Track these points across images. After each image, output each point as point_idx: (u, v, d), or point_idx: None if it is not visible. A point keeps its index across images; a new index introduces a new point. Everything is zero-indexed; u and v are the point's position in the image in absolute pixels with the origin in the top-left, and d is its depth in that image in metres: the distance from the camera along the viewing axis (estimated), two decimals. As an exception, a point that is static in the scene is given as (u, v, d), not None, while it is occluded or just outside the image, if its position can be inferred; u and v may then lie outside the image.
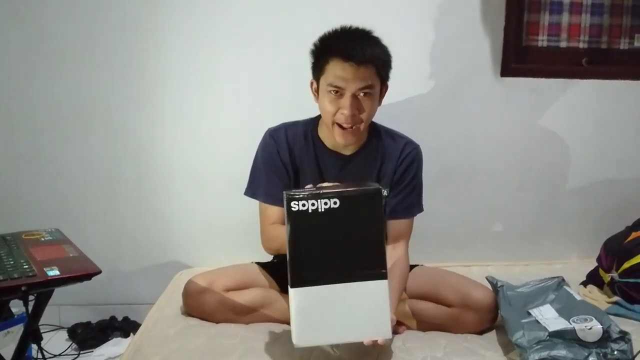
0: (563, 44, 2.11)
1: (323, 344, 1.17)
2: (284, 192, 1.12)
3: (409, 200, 1.59)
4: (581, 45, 2.11)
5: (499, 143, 2.13)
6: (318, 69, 1.49)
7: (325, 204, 1.09)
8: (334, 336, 1.16)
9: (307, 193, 1.11)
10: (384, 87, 1.52)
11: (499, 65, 2.06)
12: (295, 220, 1.09)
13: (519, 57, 2.07)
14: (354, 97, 1.44)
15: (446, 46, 2.04)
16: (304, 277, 1.11)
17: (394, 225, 1.57)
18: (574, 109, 2.13)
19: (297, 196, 1.10)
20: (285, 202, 1.11)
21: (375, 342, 1.18)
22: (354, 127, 1.47)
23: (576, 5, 2.08)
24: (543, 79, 2.10)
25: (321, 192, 1.12)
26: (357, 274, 1.14)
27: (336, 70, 1.42)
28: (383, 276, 1.15)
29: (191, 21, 1.97)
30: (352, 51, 1.41)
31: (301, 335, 1.13)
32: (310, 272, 1.12)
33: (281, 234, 1.25)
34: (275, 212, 1.54)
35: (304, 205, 1.08)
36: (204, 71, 2.01)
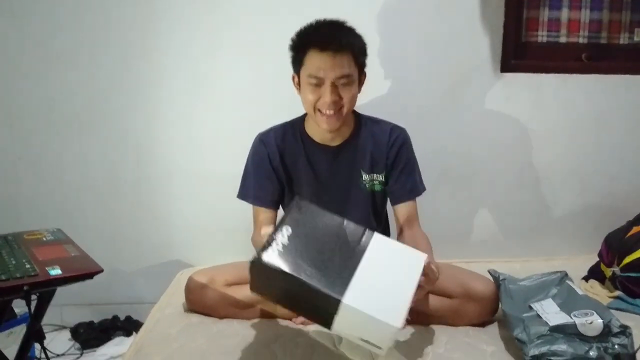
0: (563, 40, 2.10)
1: (405, 320, 1.12)
2: (253, 258, 1.11)
3: (410, 182, 1.63)
4: (581, 40, 2.11)
5: (499, 139, 2.13)
6: (298, 62, 1.52)
7: (282, 235, 1.13)
8: (400, 303, 1.11)
9: (265, 241, 1.13)
10: (362, 75, 1.55)
11: (498, 62, 2.06)
12: (281, 262, 1.09)
13: (519, 53, 2.07)
14: (334, 85, 1.47)
15: (446, 43, 2.04)
16: (332, 296, 1.08)
17: (403, 209, 1.61)
18: (574, 104, 2.13)
19: (261, 250, 1.10)
20: (259, 263, 1.09)
21: (426, 273, 1.21)
22: (336, 112, 1.50)
23: (575, 0, 2.07)
24: (543, 75, 2.09)
25: (270, 231, 1.14)
26: (357, 252, 1.15)
27: (314, 60, 1.46)
28: (373, 232, 1.19)
29: (190, 22, 1.98)
30: (328, 41, 1.45)
31: (385, 336, 1.09)
32: (333, 285, 1.10)
33: None
34: (266, 214, 1.61)
35: (273, 249, 1.10)
36: (203, 73, 2.01)
